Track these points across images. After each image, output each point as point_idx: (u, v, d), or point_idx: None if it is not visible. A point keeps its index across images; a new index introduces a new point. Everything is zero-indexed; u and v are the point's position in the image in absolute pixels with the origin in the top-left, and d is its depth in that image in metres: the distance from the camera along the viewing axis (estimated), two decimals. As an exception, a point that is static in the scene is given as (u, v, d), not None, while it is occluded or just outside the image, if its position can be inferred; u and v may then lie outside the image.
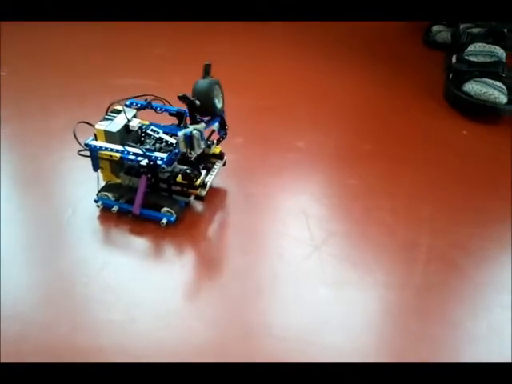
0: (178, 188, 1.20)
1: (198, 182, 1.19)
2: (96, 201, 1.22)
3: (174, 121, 1.26)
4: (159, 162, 1.12)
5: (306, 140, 1.51)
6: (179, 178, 1.18)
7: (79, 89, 1.65)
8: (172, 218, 1.19)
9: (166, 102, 1.24)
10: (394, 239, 1.20)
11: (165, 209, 1.19)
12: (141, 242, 1.16)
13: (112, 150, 1.13)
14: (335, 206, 1.29)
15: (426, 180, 1.38)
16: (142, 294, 1.05)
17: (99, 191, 1.22)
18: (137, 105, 1.23)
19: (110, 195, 1.21)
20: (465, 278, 1.11)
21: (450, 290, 1.09)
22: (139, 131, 1.20)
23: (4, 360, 0.92)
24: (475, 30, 1.72)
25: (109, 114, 1.18)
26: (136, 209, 1.18)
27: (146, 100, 1.24)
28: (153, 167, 1.14)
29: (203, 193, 1.23)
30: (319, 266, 1.13)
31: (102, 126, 1.14)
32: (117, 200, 1.22)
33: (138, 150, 1.14)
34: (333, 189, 1.34)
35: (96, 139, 1.15)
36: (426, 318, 1.03)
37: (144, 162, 1.14)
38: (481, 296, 1.08)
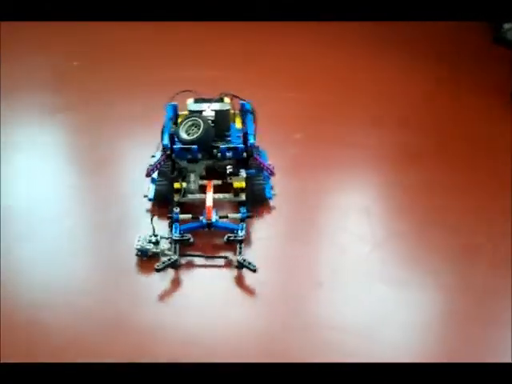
0: None
1: None
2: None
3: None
4: None
5: (366, 136, 1.50)
6: None
7: (144, 80, 1.70)
8: None
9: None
10: (457, 241, 1.18)
11: None
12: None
13: None
14: (398, 205, 1.28)
15: (492, 183, 1.35)
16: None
17: None
18: None
19: None
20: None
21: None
22: None
23: (80, 328, 0.98)
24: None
25: None
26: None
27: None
28: None
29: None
30: (380, 263, 1.13)
31: None
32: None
33: None
34: (395, 187, 1.33)
35: None
36: (487, 323, 1.01)
37: None
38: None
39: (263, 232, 1.20)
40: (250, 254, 1.14)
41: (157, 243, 1.11)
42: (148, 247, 1.09)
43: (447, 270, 1.12)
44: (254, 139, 1.23)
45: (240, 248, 1.10)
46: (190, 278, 1.09)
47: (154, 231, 1.12)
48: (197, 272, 1.11)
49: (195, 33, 1.98)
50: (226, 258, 1.11)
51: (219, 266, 1.11)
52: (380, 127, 1.54)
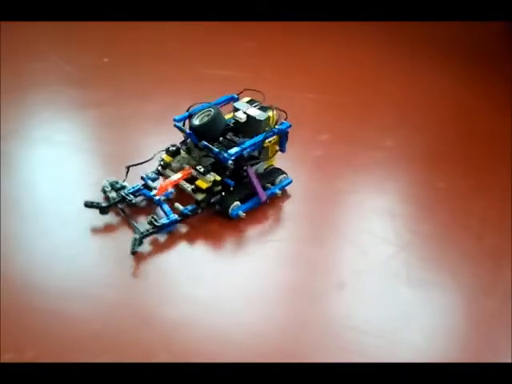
0: None
1: None
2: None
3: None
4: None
5: (392, 139, 1.50)
6: None
7: (172, 77, 1.72)
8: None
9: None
10: (481, 245, 1.18)
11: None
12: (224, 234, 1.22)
13: None
14: (422, 208, 1.28)
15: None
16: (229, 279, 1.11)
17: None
18: None
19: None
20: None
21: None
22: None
23: (105, 322, 1.00)
24: None
25: None
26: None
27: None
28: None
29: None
30: (404, 265, 1.13)
31: None
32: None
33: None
34: (420, 190, 1.33)
35: None
36: (510, 326, 1.01)
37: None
38: None
39: (283, 233, 1.21)
40: (269, 254, 1.16)
41: (115, 190, 1.22)
42: (106, 189, 1.22)
43: (471, 273, 1.12)
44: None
45: (147, 232, 1.13)
46: (210, 277, 1.11)
47: (123, 180, 1.23)
48: (223, 272, 1.13)
49: (220, 33, 2.00)
50: (136, 228, 1.15)
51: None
52: (404, 129, 1.54)
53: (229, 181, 1.20)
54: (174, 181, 1.21)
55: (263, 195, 1.22)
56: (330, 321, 1.03)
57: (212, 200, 1.20)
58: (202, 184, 1.19)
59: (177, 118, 1.27)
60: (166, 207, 1.18)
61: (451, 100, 1.68)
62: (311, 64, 1.84)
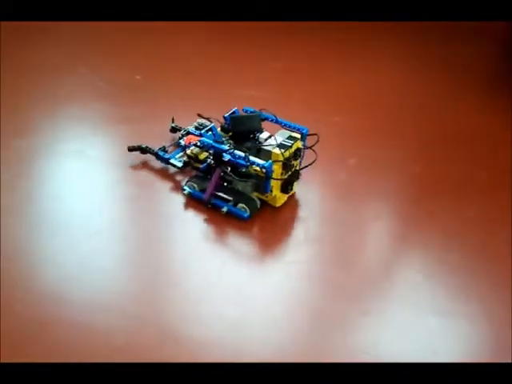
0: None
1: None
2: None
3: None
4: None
5: (418, 165, 1.49)
6: None
7: (201, 95, 1.75)
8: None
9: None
10: (509, 274, 1.15)
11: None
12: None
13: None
14: (450, 236, 1.26)
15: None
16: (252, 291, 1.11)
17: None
18: None
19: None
20: None
21: None
22: None
23: (130, 334, 1.00)
24: None
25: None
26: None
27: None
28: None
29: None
30: (430, 293, 1.11)
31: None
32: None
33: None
34: (449, 218, 1.31)
35: None
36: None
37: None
38: None
39: (307, 254, 1.21)
40: (292, 275, 1.16)
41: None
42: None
43: (500, 304, 1.09)
44: None
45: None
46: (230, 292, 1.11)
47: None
48: (248, 291, 1.13)
49: (247, 52, 2.03)
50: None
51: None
52: (430, 154, 1.54)
53: (201, 166, 1.32)
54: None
55: (207, 196, 1.28)
56: (351, 349, 1.01)
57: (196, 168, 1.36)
58: (202, 156, 1.35)
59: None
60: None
61: (481, 129, 1.67)
62: (337, 86, 1.85)
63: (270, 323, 1.05)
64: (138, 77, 1.84)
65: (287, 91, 1.80)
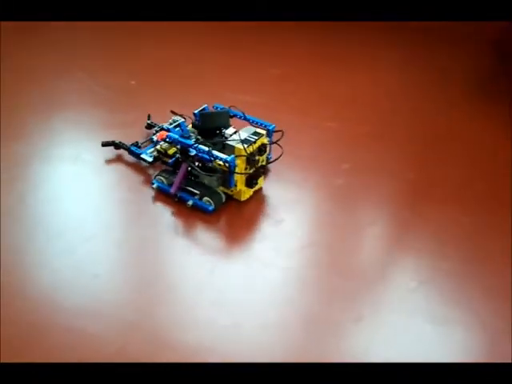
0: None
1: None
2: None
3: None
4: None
5: (412, 170, 1.50)
6: None
7: (197, 100, 1.74)
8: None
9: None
10: (503, 281, 1.16)
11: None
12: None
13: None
14: (444, 243, 1.27)
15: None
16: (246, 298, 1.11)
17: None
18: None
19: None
20: None
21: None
22: None
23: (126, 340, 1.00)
24: None
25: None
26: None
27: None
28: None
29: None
30: (424, 300, 1.12)
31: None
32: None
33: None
34: (443, 225, 1.32)
35: None
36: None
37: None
38: None
39: (302, 260, 1.21)
40: (286, 281, 1.16)
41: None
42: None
43: (492, 311, 1.10)
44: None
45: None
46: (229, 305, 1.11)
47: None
48: (242, 297, 1.13)
49: (246, 58, 2.04)
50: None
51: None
52: (424, 159, 1.55)
53: (170, 160, 1.35)
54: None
55: (174, 189, 1.31)
56: (345, 355, 1.01)
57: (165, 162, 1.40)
58: (171, 151, 1.38)
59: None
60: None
61: (475, 134, 1.68)
62: (333, 93, 1.86)
63: (262, 328, 1.05)
64: (133, 82, 1.85)
65: (283, 98, 1.81)
